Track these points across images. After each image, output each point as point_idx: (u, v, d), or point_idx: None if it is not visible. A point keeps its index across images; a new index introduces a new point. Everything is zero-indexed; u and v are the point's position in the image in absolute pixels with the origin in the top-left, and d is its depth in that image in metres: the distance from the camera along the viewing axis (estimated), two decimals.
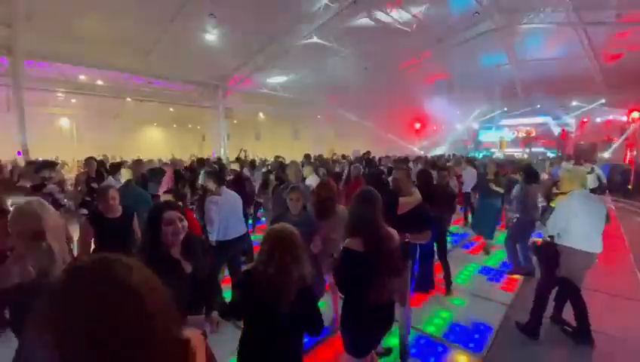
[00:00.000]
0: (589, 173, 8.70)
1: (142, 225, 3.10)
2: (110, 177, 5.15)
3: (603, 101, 15.33)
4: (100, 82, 13.38)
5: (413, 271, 3.55)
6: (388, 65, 13.93)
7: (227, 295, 3.25)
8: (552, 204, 3.86)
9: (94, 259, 0.69)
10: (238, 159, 8.55)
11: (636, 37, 10.75)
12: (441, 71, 15.17)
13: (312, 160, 9.09)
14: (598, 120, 16.22)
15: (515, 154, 17.53)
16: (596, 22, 10.48)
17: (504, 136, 19.60)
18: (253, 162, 8.32)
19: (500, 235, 5.61)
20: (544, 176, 8.72)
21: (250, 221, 5.78)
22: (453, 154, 13.41)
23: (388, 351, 2.89)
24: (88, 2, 8.81)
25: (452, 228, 6.49)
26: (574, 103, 16.50)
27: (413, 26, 11.06)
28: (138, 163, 6.03)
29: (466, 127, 20.90)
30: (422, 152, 18.07)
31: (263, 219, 6.88)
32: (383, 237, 1.95)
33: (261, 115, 20.28)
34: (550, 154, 16.28)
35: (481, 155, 17.00)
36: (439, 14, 10.65)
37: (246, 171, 6.53)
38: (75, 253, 3.65)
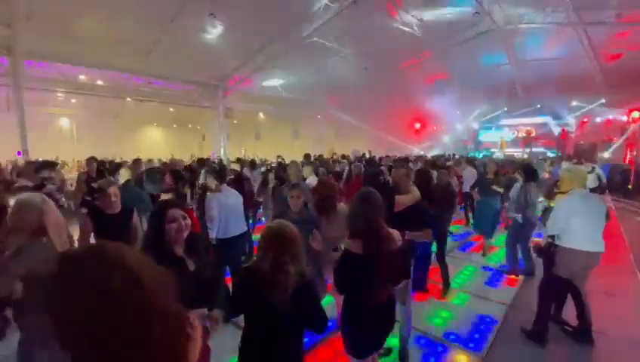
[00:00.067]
0: (589, 172, 8.71)
1: (140, 224, 3.13)
2: (110, 177, 5.15)
3: (603, 101, 15.34)
4: (100, 82, 13.38)
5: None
6: (388, 65, 13.92)
7: None
8: (552, 204, 3.86)
9: (86, 246, 0.71)
10: (238, 159, 8.55)
11: (636, 37, 10.74)
12: (441, 71, 15.15)
13: (312, 160, 9.09)
14: (598, 120, 16.22)
15: (515, 154, 17.53)
16: (596, 22, 10.47)
17: (504, 136, 19.61)
18: (253, 162, 8.32)
19: (501, 235, 5.61)
20: (544, 175, 8.73)
21: (250, 221, 5.78)
22: (454, 154, 13.41)
23: (388, 351, 2.89)
24: (88, 2, 8.81)
25: (452, 227, 6.48)
26: (574, 103, 16.51)
27: (413, 26, 11.06)
28: (137, 163, 6.03)
29: (466, 127, 20.90)
30: (422, 152, 18.06)
31: (263, 219, 6.87)
32: (383, 239, 1.94)
33: (261, 115, 20.28)
34: (550, 154, 16.29)
35: (481, 155, 17.00)
36: (439, 14, 10.65)
37: (246, 171, 6.53)
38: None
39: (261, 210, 6.27)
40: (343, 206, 3.08)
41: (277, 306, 1.55)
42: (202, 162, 7.60)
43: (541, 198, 4.78)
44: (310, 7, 10.14)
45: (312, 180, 4.99)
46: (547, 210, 3.88)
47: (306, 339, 1.86)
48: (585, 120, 16.82)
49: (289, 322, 1.62)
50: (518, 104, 17.77)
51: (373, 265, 1.92)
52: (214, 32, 10.41)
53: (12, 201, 2.47)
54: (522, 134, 19.20)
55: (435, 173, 5.02)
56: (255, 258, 1.73)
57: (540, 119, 18.27)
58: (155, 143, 21.80)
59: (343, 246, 2.07)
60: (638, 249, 5.59)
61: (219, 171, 3.85)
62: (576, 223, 2.90)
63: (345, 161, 10.54)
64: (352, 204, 2.10)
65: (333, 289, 3.16)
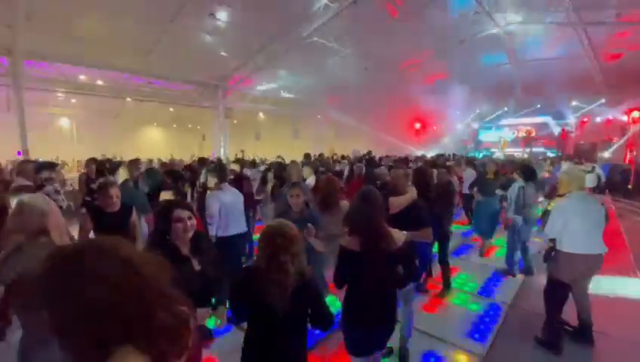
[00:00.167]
0: (589, 172, 8.73)
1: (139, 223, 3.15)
2: (110, 177, 5.15)
3: (603, 101, 15.34)
4: (100, 82, 13.37)
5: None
6: (388, 65, 13.92)
7: None
8: (549, 207, 3.86)
9: (82, 241, 0.71)
10: (238, 160, 8.55)
11: (636, 37, 10.74)
12: (441, 71, 15.15)
13: (312, 160, 9.09)
14: (598, 120, 16.23)
15: (515, 154, 17.54)
16: (596, 22, 10.47)
17: (504, 135, 19.62)
18: (253, 162, 8.32)
19: (501, 236, 5.61)
20: (544, 175, 8.75)
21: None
22: (454, 154, 13.41)
23: (388, 351, 2.89)
24: (88, 2, 8.81)
25: (453, 226, 6.47)
26: (574, 103, 16.52)
27: (413, 26, 11.05)
28: (135, 163, 6.03)
29: (466, 127, 20.91)
30: (420, 153, 18.07)
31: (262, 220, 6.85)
32: (381, 237, 1.95)
33: (261, 115, 20.27)
34: (550, 154, 16.30)
35: (481, 155, 17.01)
36: (439, 14, 10.64)
37: (246, 171, 6.53)
38: None
39: (260, 210, 6.22)
40: (345, 203, 3.09)
41: (276, 306, 1.54)
42: (203, 162, 7.61)
43: (541, 198, 4.78)
44: (310, 7, 10.14)
45: (311, 180, 4.99)
46: (546, 213, 3.88)
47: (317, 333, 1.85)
48: (585, 120, 16.83)
49: (289, 322, 1.61)
50: (517, 104, 17.78)
51: (370, 263, 1.93)
52: (215, 31, 10.41)
53: (13, 202, 2.47)
54: (522, 134, 19.22)
55: (435, 172, 5.02)
56: (255, 258, 1.73)
57: (539, 119, 18.28)
58: (155, 143, 21.81)
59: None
60: (638, 249, 5.59)
61: (219, 170, 3.86)
62: (574, 226, 2.88)
63: (345, 161, 10.55)
64: (353, 202, 2.12)
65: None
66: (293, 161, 6.32)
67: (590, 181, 8.20)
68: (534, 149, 18.19)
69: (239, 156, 11.50)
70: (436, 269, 4.35)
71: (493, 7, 10.72)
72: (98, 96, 14.36)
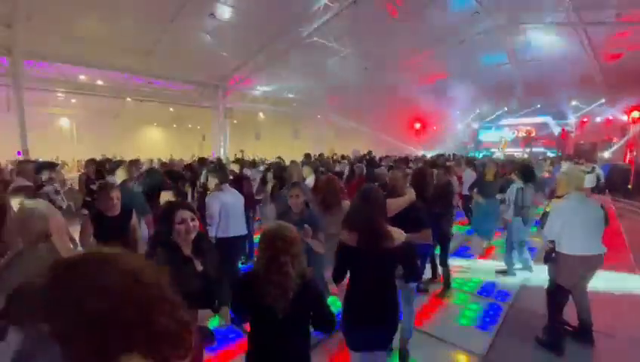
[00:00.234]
0: (589, 172, 8.74)
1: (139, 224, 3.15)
2: (109, 177, 5.16)
3: (603, 101, 15.34)
4: (100, 82, 13.36)
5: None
6: (388, 65, 13.92)
7: None
8: (547, 208, 3.86)
9: (79, 253, 0.73)
10: (237, 160, 8.55)
11: (636, 37, 10.74)
12: (441, 71, 15.15)
13: (313, 160, 9.09)
14: (598, 120, 16.23)
15: (515, 154, 17.55)
16: (596, 22, 10.47)
17: (504, 135, 19.62)
18: (253, 162, 8.32)
19: (502, 236, 5.61)
20: (545, 175, 8.75)
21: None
22: (454, 154, 13.42)
23: (389, 351, 2.89)
24: (88, 2, 8.80)
25: (455, 227, 6.47)
26: (574, 103, 16.51)
27: (413, 26, 11.06)
28: (134, 163, 6.03)
29: (466, 127, 20.90)
30: (421, 152, 18.07)
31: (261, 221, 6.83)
32: (379, 235, 1.95)
33: (261, 115, 20.27)
34: (550, 154, 16.31)
35: (481, 155, 17.02)
36: (439, 14, 10.64)
37: (246, 171, 6.53)
38: (77, 250, 3.65)
39: (259, 210, 6.21)
40: (346, 203, 3.09)
41: (277, 308, 1.54)
42: (203, 162, 7.61)
43: (546, 202, 4.79)
44: (310, 7, 10.14)
45: (311, 180, 4.99)
46: (545, 215, 3.88)
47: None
48: (585, 120, 16.83)
49: (290, 324, 1.60)
50: (518, 104, 17.78)
51: (368, 260, 1.94)
52: (214, 31, 10.41)
53: (13, 202, 2.47)
54: (522, 134, 19.22)
55: (435, 173, 5.02)
56: (255, 259, 1.73)
57: (539, 119, 18.28)
58: (155, 143, 21.82)
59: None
60: (638, 249, 5.59)
61: (220, 171, 3.86)
62: (573, 227, 2.87)
63: (345, 161, 10.55)
64: (353, 201, 2.15)
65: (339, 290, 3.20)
66: (293, 161, 6.32)
67: (589, 181, 8.21)
68: (534, 149, 18.20)
69: (239, 156, 11.52)
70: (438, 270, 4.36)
71: (494, 7, 10.72)
72: (98, 96, 14.35)
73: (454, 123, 20.40)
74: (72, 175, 10.11)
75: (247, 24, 10.51)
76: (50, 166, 4.70)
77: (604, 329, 3.11)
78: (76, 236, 3.01)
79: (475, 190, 5.60)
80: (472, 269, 4.91)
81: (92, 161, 5.64)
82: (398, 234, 2.02)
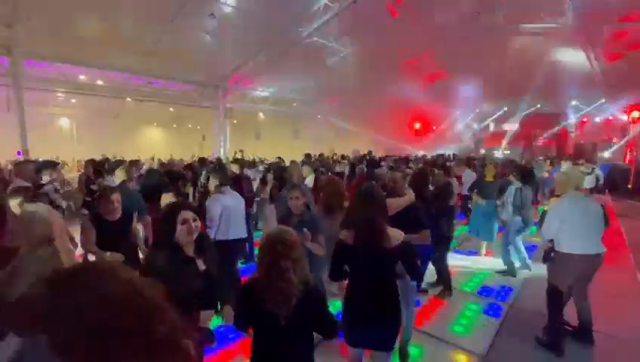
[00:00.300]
0: (589, 173, 8.75)
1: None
2: (108, 177, 5.16)
3: (603, 101, 15.34)
4: (99, 82, 13.36)
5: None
6: (388, 65, 13.92)
7: None
8: (546, 208, 3.86)
9: (76, 265, 0.75)
10: (237, 160, 8.56)
11: (636, 37, 10.74)
12: (441, 70, 15.14)
13: (313, 160, 9.10)
14: (598, 120, 16.22)
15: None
16: (596, 22, 10.46)
17: (504, 135, 19.61)
18: (253, 162, 8.32)
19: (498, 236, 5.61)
20: (544, 175, 8.74)
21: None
22: (454, 154, 13.42)
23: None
24: (88, 2, 8.80)
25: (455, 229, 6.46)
26: (574, 103, 16.51)
27: (413, 26, 11.05)
28: (134, 164, 6.01)
29: (466, 126, 20.89)
30: (421, 153, 18.07)
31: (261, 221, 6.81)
32: (375, 233, 1.95)
33: (261, 115, 20.27)
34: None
35: (481, 155, 17.01)
36: (440, 14, 10.64)
37: (246, 171, 6.52)
38: (77, 253, 3.66)
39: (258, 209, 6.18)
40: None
41: (279, 314, 1.52)
42: (203, 162, 7.61)
43: (547, 202, 4.80)
44: (310, 7, 10.14)
45: (310, 180, 4.99)
46: (544, 214, 3.90)
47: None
48: (585, 120, 16.83)
49: (293, 330, 1.57)
50: (518, 104, 17.76)
51: (365, 258, 1.95)
52: (214, 31, 10.41)
53: (11, 203, 2.47)
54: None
55: (435, 172, 5.02)
56: (256, 260, 1.73)
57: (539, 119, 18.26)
58: (155, 143, 21.80)
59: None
60: (638, 249, 5.59)
61: (220, 171, 3.85)
62: (571, 226, 2.87)
63: (345, 161, 10.55)
64: (353, 200, 2.17)
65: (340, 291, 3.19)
66: (293, 161, 6.32)
67: (589, 183, 8.22)
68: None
69: (238, 156, 11.51)
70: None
71: (493, 7, 10.72)
72: (98, 96, 14.35)
73: (454, 123, 20.39)
74: (72, 175, 10.11)
75: (247, 24, 10.50)
76: (51, 165, 4.69)
77: (604, 329, 3.11)
78: (76, 236, 3.00)
79: (475, 191, 5.59)
80: (472, 269, 4.91)
81: (90, 161, 5.62)
82: (397, 234, 2.01)
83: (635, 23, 10.02)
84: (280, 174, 5.50)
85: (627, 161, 14.00)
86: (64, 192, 5.19)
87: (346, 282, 2.16)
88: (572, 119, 17.15)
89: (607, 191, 10.80)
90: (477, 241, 5.81)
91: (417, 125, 20.75)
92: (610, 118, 15.55)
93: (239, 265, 4.52)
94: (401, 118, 20.00)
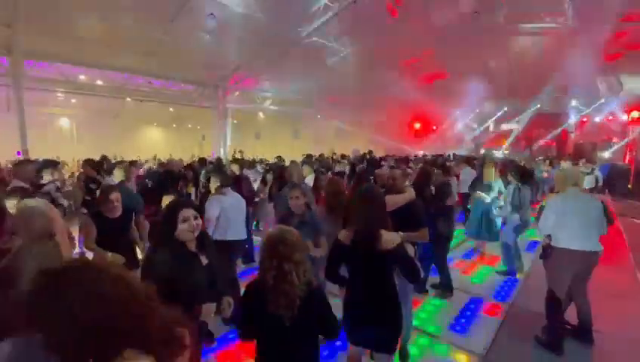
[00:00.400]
0: (588, 173, 8.76)
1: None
2: (107, 177, 5.15)
3: (603, 101, 15.34)
4: (99, 82, 13.36)
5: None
6: (388, 64, 13.92)
7: None
8: (544, 204, 3.87)
9: (68, 262, 0.75)
10: (236, 160, 8.55)
11: (636, 37, 10.75)
12: (441, 70, 15.15)
13: (313, 160, 9.10)
14: (598, 120, 16.23)
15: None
16: (596, 22, 10.46)
17: (505, 135, 19.63)
18: (252, 162, 8.32)
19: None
20: (544, 175, 8.74)
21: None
22: (454, 155, 13.41)
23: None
24: (88, 2, 8.80)
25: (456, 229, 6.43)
26: (574, 103, 16.51)
27: (413, 26, 11.06)
28: (134, 164, 5.99)
29: (466, 127, 20.89)
30: (421, 152, 18.07)
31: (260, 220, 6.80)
32: (372, 236, 1.94)
33: (261, 115, 20.28)
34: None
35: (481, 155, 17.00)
36: (439, 14, 10.64)
37: (246, 171, 6.51)
38: (77, 250, 3.65)
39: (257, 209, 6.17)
40: None
41: (283, 316, 1.51)
42: (203, 162, 7.60)
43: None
44: (310, 7, 10.14)
45: (310, 179, 4.99)
46: (541, 209, 3.90)
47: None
48: (585, 120, 16.83)
49: (298, 332, 1.56)
50: (518, 104, 17.77)
51: (361, 259, 1.95)
52: (214, 31, 10.41)
53: (8, 204, 2.45)
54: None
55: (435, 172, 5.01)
56: (257, 262, 1.73)
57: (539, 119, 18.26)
58: (155, 143, 21.80)
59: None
60: (638, 249, 5.59)
61: (220, 172, 3.83)
62: (568, 222, 2.86)
63: (345, 161, 10.55)
64: (353, 199, 2.17)
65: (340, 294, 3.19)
66: (293, 161, 6.32)
67: (588, 182, 8.22)
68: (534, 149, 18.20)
69: (237, 156, 11.50)
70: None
71: (493, 7, 10.71)
72: (98, 96, 14.34)
73: (454, 123, 20.39)
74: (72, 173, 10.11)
75: (247, 24, 10.50)
76: (52, 164, 4.69)
77: (604, 329, 3.11)
78: (75, 234, 3.00)
79: (477, 191, 5.58)
80: (472, 269, 4.91)
81: (88, 161, 5.59)
82: (392, 238, 1.96)
83: (635, 23, 10.01)
84: (281, 174, 5.50)
85: (627, 161, 14.00)
86: (65, 191, 5.19)
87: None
88: (572, 119, 17.16)
89: (606, 191, 10.80)
90: (477, 241, 5.81)
91: (417, 125, 20.73)
92: (610, 118, 15.55)
93: (240, 265, 4.52)
94: (402, 118, 20.00)
